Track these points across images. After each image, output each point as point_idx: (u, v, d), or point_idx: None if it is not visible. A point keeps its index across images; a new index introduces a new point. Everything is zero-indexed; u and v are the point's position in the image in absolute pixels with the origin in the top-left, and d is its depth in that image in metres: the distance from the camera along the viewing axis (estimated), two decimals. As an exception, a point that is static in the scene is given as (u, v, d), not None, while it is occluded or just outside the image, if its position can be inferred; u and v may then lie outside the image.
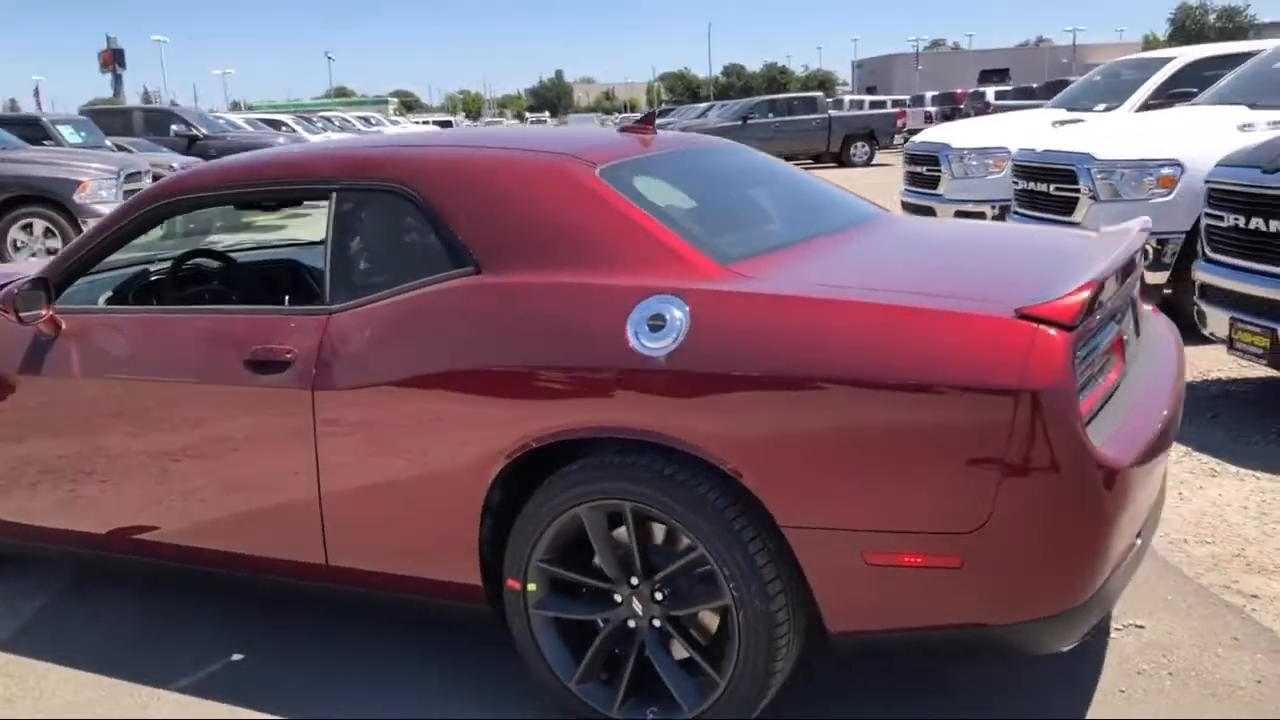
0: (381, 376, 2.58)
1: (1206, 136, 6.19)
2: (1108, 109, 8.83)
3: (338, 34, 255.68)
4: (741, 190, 3.07)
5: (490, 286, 2.53)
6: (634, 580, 2.46)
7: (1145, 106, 8.56)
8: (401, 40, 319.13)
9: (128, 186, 11.28)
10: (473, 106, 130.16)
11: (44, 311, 2.98)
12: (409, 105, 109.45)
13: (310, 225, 6.81)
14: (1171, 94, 8.41)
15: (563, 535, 2.51)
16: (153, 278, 3.54)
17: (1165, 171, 6.18)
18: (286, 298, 3.75)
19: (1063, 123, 8.55)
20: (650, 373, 2.29)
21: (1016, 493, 2.08)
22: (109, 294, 3.35)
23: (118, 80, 30.31)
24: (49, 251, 10.82)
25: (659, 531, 2.50)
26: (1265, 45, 8.02)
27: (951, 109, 28.53)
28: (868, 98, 38.97)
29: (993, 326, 2.12)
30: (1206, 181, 4.97)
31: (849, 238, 2.91)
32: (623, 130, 3.17)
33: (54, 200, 10.75)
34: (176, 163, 13.44)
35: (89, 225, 10.68)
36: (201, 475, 2.88)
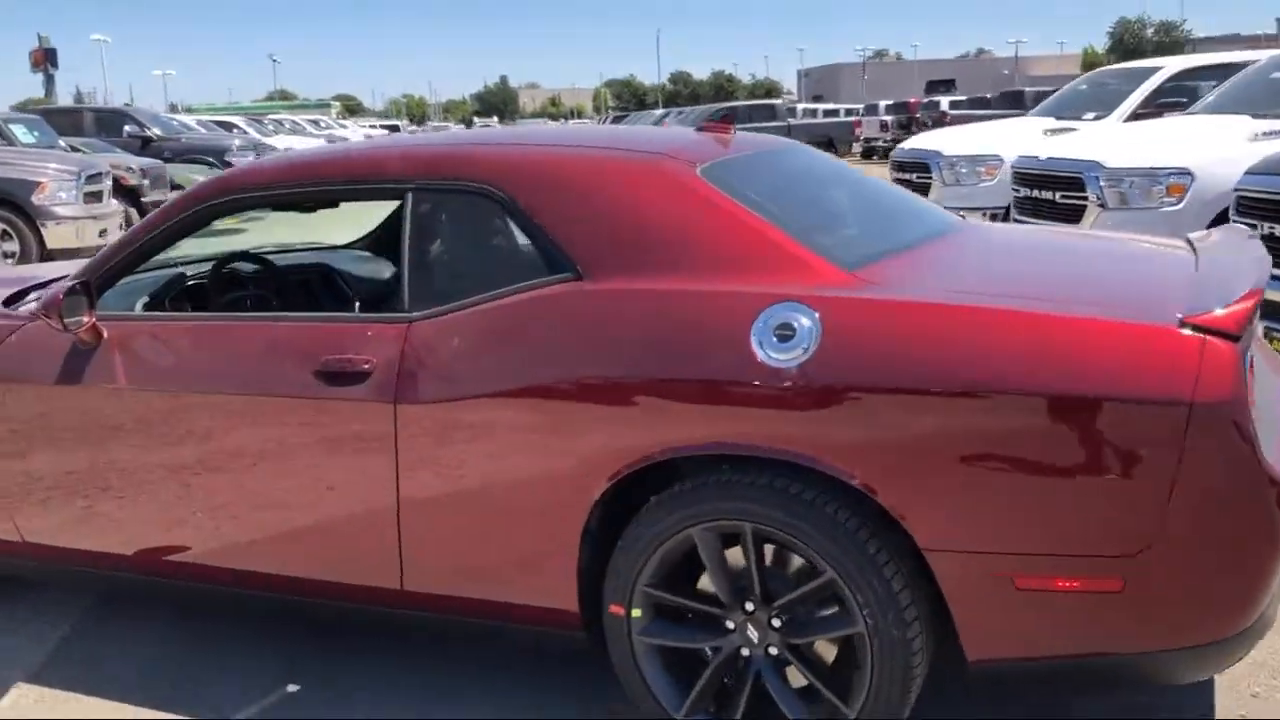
0: (474, 389, 2.41)
1: (1215, 145, 6.21)
2: (1097, 118, 8.87)
3: (279, 37, 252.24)
4: (830, 193, 2.95)
5: (595, 294, 2.38)
6: (749, 606, 2.32)
7: (1135, 116, 8.61)
8: (343, 44, 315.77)
9: (88, 188, 10.89)
10: (416, 111, 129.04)
11: (86, 318, 2.77)
12: (351, 109, 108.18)
13: (272, 229, 6.47)
14: (1161, 103, 8.47)
15: (670, 558, 2.36)
16: (189, 282, 3.32)
17: (1175, 180, 6.17)
18: (339, 303, 3.55)
19: (1054, 131, 8.56)
20: (778, 385, 2.15)
21: (1187, 511, 1.97)
22: (145, 300, 3.13)
23: (50, 80, 29.44)
24: (5, 255, 10.41)
25: (770, 553, 2.37)
26: (1256, 56, 8.10)
27: (908, 118, 28.72)
28: (820, 106, 39.12)
29: (1159, 337, 2.01)
30: (1236, 190, 4.96)
31: (953, 244, 2.80)
32: (699, 130, 3.03)
33: (11, 202, 10.33)
34: (134, 164, 13.03)
35: (47, 228, 10.42)
36: (261, 494, 2.68)
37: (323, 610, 2.80)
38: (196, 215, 2.87)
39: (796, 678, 2.34)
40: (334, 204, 3.02)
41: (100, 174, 11.26)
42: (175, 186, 14.13)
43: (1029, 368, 2.04)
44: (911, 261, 2.55)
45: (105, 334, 2.83)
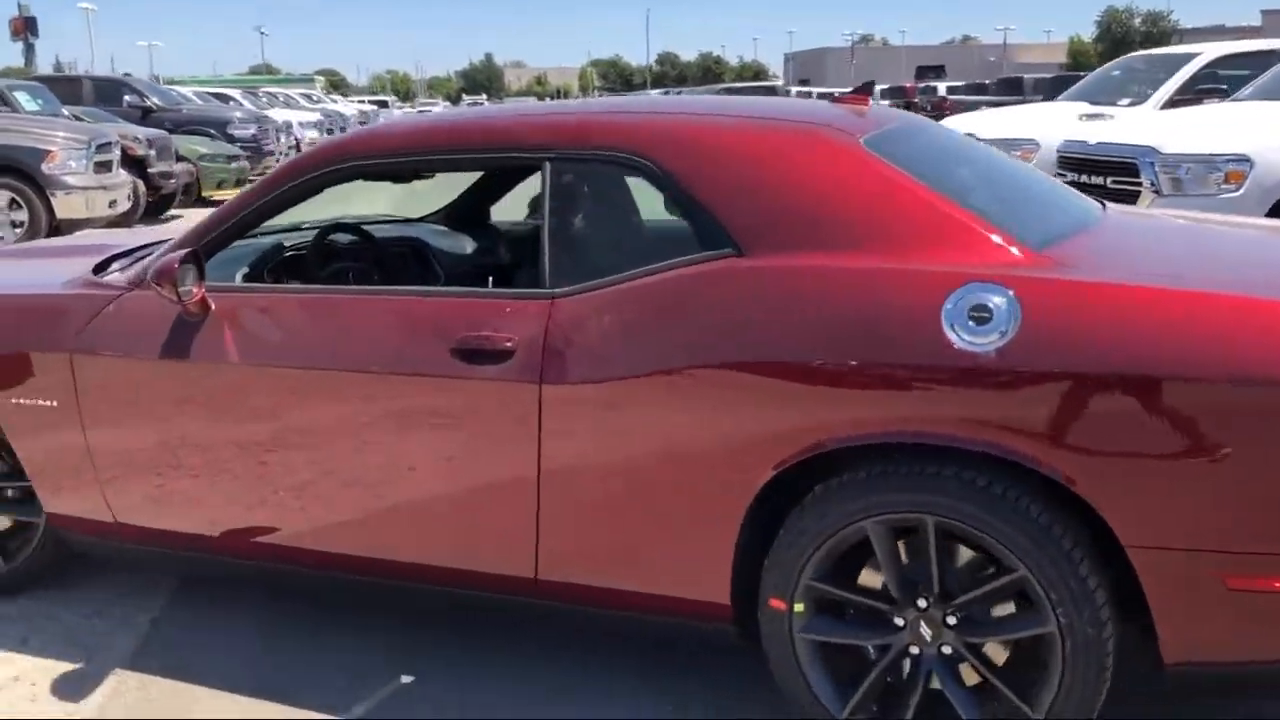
0: (628, 370, 2.29)
1: (1274, 131, 6.12)
2: (1132, 104, 8.77)
3: (263, 9, 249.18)
4: (984, 171, 2.81)
5: (761, 270, 2.25)
6: (921, 602, 2.21)
7: (1171, 102, 8.51)
8: (328, 19, 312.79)
9: (98, 158, 10.65)
10: (401, 87, 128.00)
11: (196, 289, 2.62)
12: (335, 85, 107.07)
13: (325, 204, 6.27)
14: (1200, 90, 8.38)
15: (837, 551, 2.24)
16: (288, 253, 3.17)
17: (1234, 167, 6.08)
18: (435, 279, 3.41)
19: (1089, 116, 8.47)
20: (974, 371, 2.04)
21: None
22: (244, 270, 2.98)
23: (29, 49, 28.86)
24: (14, 225, 10.17)
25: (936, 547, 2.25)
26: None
27: (905, 103, 28.62)
28: (814, 89, 38.96)
29: None
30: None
31: (1114, 227, 2.69)
32: (836, 102, 2.89)
33: (21, 170, 10.09)
34: (141, 134, 12.75)
35: (56, 198, 10.18)
36: (386, 476, 2.55)
37: (440, 598, 2.67)
38: (308, 183, 2.73)
39: (969, 677, 2.23)
40: (457, 173, 2.86)
41: (110, 143, 11.02)
42: (180, 158, 13.89)
43: (1240, 353, 1.94)
44: (1088, 244, 2.44)
45: (213, 306, 2.69)
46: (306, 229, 3.37)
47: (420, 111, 65.16)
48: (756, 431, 2.20)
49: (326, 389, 2.56)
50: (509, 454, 2.41)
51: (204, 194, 14.91)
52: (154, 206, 12.83)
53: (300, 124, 23.07)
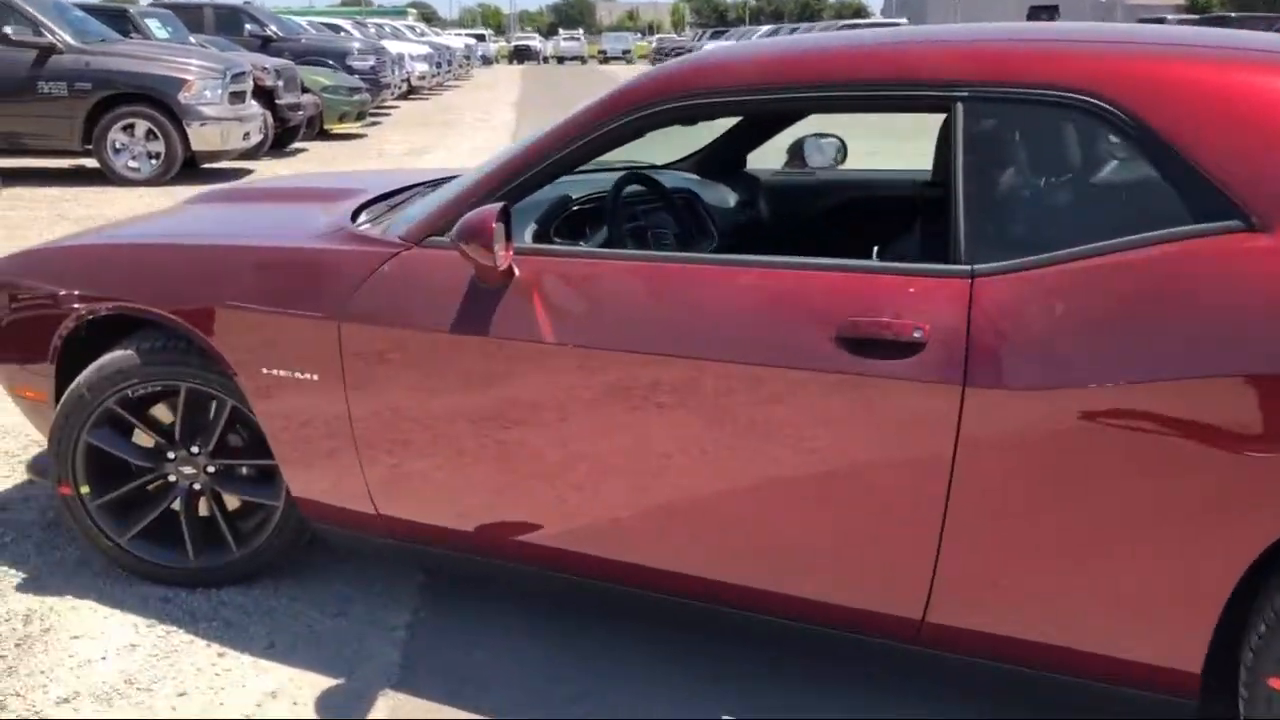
0: (1093, 377, 1.78)
1: None
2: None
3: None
4: None
5: (1290, 252, 1.72)
6: None
7: None
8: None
9: (233, 88, 10.36)
10: (493, 21, 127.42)
11: (505, 253, 2.18)
12: (427, 18, 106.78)
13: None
14: None
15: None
16: (575, 207, 2.70)
17: None
18: (707, 236, 2.93)
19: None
20: None
21: None
22: (531, 227, 2.52)
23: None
24: (150, 156, 9.94)
25: None
26: None
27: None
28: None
29: None
30: None
31: None
32: None
33: (158, 100, 9.83)
34: (269, 64, 12.44)
35: (192, 129, 9.90)
36: (739, 489, 2.10)
37: (757, 625, 2.23)
38: (629, 125, 2.24)
39: None
40: (827, 113, 2.31)
41: (244, 73, 10.75)
42: (304, 90, 13.58)
43: None
44: None
45: (517, 271, 2.24)
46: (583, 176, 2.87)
47: (517, 46, 64.58)
48: None
49: (669, 381, 2.09)
50: (909, 469, 1.94)
51: (326, 127, 14.63)
52: (278, 139, 12.56)
53: (411, 56, 22.69)
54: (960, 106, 1.99)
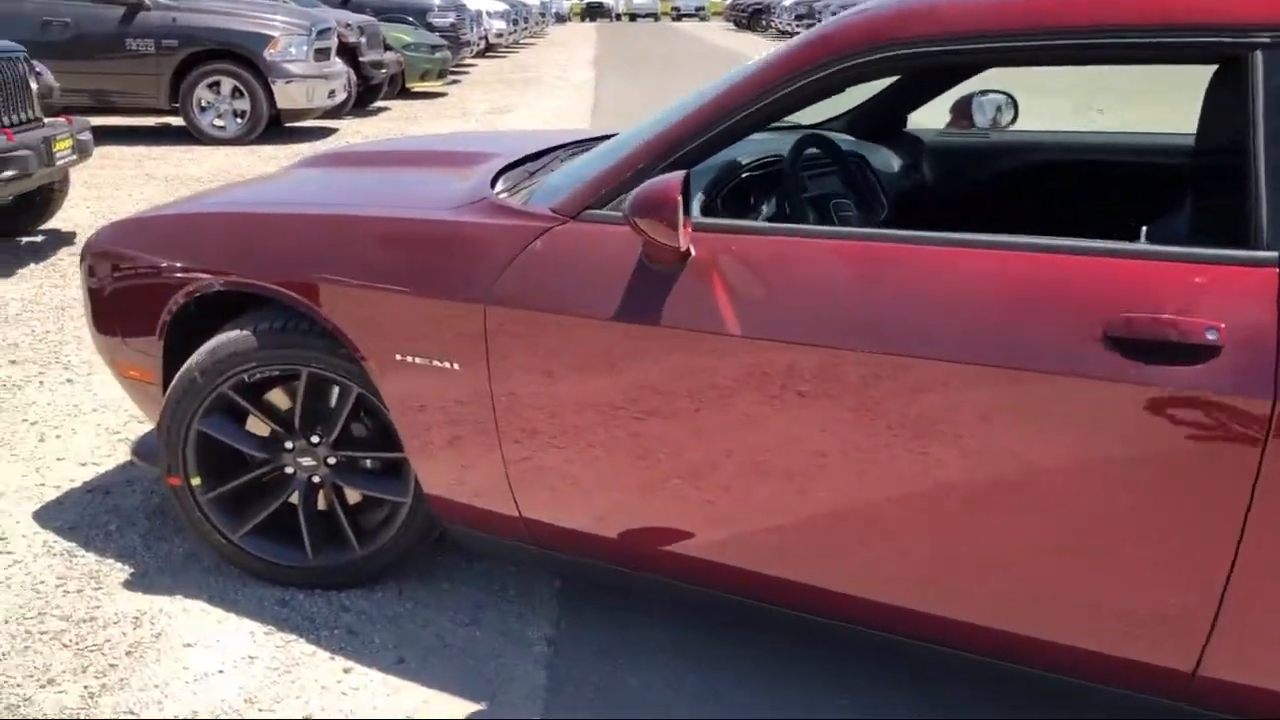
0: None
1: None
2: None
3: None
4: None
5: None
6: None
7: None
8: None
9: (318, 44, 10.15)
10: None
11: (684, 230, 1.86)
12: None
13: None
14: None
15: None
16: (744, 174, 2.37)
17: None
18: (876, 207, 2.59)
19: None
20: None
21: None
22: (699, 198, 2.20)
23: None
24: (236, 114, 9.78)
25: None
26: None
27: None
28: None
29: None
30: None
31: None
32: None
33: (243, 57, 9.65)
34: (353, 20, 12.21)
35: (278, 86, 9.70)
36: (980, 511, 1.77)
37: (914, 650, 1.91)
38: (831, 77, 1.90)
39: None
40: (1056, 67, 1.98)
41: (329, 29, 10.53)
42: (386, 47, 13.36)
43: None
44: None
45: (693, 251, 1.93)
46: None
47: (589, 3, 63.69)
48: None
49: (887, 383, 1.77)
50: (1192, 498, 1.60)
51: (407, 85, 14.40)
52: (360, 98, 12.35)
53: (489, 14, 22.38)
54: (1259, 56, 1.62)
